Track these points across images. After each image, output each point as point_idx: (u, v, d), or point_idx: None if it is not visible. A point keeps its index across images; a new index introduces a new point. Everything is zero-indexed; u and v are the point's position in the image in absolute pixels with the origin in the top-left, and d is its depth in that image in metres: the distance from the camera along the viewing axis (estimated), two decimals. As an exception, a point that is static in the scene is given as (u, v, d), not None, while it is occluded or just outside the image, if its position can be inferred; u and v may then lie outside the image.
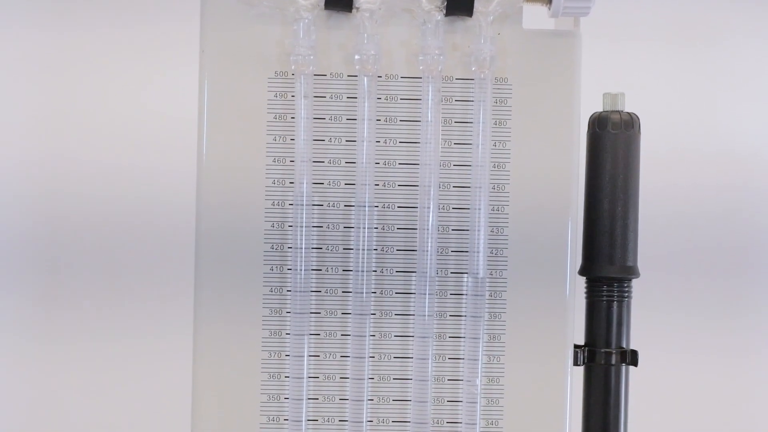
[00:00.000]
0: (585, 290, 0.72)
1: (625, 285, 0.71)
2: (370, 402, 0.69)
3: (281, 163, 0.68)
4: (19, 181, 1.06)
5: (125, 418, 1.06)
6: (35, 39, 1.07)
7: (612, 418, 0.71)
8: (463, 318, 0.69)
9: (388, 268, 0.69)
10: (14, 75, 1.07)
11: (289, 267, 0.68)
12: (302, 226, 0.67)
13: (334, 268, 0.69)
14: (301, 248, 0.68)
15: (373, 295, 0.69)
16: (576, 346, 0.70)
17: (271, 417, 0.69)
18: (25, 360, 1.07)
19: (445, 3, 0.66)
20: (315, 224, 0.69)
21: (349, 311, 0.69)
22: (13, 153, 1.06)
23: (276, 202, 0.68)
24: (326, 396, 0.69)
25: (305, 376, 0.68)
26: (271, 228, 0.68)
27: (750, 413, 1.12)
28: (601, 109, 0.71)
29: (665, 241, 1.08)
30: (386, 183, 0.69)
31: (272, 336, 0.69)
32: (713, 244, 1.10)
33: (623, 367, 0.71)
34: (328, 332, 0.69)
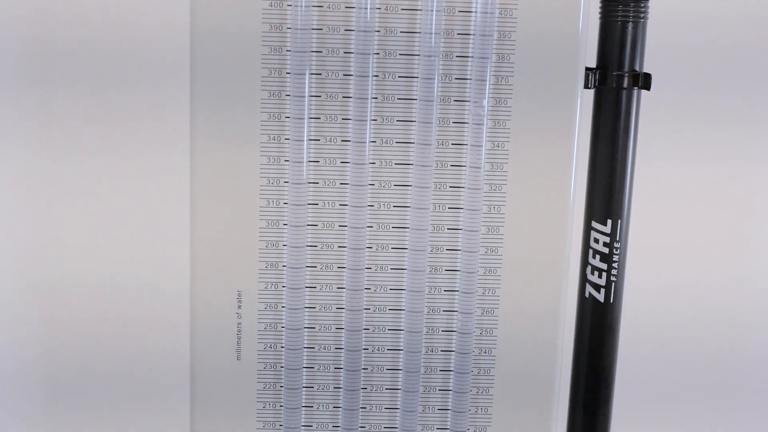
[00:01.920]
0: (599, 11, 0.70)
1: (642, 5, 0.69)
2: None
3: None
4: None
5: (123, 231, 1.06)
6: None
7: (621, 143, 0.70)
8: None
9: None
10: None
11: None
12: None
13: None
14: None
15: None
16: (587, 69, 0.69)
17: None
18: (22, 173, 1.06)
19: None
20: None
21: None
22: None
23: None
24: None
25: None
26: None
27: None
28: None
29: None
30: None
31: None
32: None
33: (635, 91, 0.69)
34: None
